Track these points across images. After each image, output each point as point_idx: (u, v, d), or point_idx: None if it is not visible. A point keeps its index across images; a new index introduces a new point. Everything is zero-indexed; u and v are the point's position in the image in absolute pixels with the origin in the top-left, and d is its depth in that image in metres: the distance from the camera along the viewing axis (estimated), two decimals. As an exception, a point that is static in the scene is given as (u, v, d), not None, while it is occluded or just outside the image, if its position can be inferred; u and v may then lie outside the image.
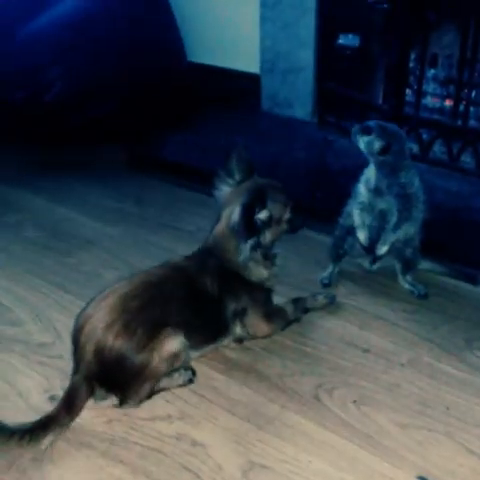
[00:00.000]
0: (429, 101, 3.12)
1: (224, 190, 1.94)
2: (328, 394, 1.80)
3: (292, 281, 2.36)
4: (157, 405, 1.75)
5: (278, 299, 2.23)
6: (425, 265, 2.38)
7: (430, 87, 3.10)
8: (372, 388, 1.83)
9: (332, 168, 3.14)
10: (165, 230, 2.77)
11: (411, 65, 3.09)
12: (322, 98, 3.62)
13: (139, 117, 3.52)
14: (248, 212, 1.81)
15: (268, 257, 1.96)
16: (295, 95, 3.79)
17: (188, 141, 3.54)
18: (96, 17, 3.30)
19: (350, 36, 3.25)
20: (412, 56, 3.07)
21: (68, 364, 1.86)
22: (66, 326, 2.06)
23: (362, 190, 2.25)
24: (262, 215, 1.85)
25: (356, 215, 2.28)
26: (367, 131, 2.14)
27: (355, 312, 2.20)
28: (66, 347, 1.96)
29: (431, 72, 3.09)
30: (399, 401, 1.78)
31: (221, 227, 1.91)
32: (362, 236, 2.27)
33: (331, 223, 2.73)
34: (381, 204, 2.20)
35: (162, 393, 1.79)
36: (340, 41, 3.30)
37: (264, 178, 1.95)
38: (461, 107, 2.96)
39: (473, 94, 2.90)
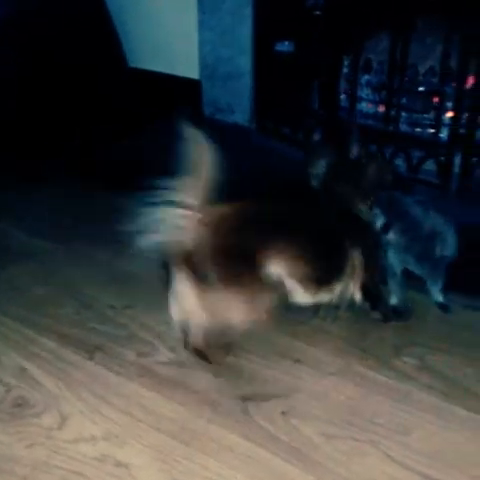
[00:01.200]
0: (364, 106, 3.17)
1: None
2: (256, 407, 1.80)
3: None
4: (82, 426, 1.73)
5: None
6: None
7: (364, 93, 3.15)
8: (301, 399, 1.84)
9: (270, 174, 3.16)
10: (103, 243, 2.71)
11: (345, 71, 3.14)
12: (260, 104, 3.63)
13: (76, 127, 3.47)
14: None
15: None
16: (236, 101, 3.80)
17: (128, 151, 3.51)
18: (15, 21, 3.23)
19: (286, 43, 3.27)
20: (346, 62, 3.11)
21: None
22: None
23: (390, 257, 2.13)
24: None
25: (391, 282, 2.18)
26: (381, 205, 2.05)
27: (287, 321, 2.20)
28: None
29: (365, 78, 3.13)
30: (327, 411, 1.79)
31: None
32: (395, 301, 2.18)
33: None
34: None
35: (89, 413, 1.77)
36: (277, 48, 3.32)
37: None
38: (393, 112, 3.01)
39: (404, 100, 2.95)
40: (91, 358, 1.99)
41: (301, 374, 1.94)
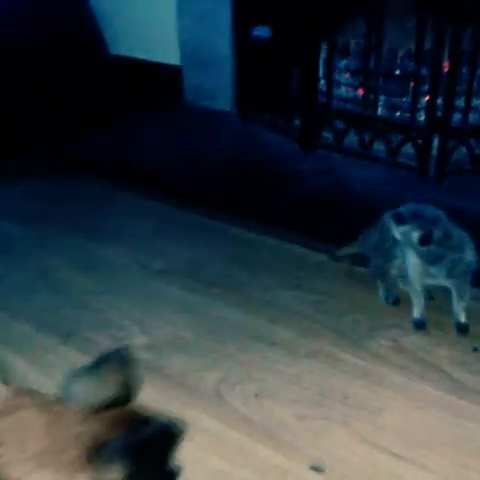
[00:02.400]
0: (343, 91, 3.17)
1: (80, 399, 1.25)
2: (230, 389, 1.81)
3: (205, 277, 2.36)
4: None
5: (189, 296, 2.25)
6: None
7: (343, 77, 3.15)
8: (274, 381, 1.85)
9: (250, 161, 3.16)
10: (80, 229, 2.71)
11: (323, 55, 3.13)
12: (241, 90, 3.62)
13: (56, 114, 3.44)
14: None
15: None
16: (217, 87, 3.79)
17: (109, 139, 3.50)
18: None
19: (264, 28, 3.25)
20: (324, 46, 3.10)
21: None
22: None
23: (412, 273, 2.03)
24: None
25: (412, 295, 2.09)
26: (401, 220, 1.87)
27: (266, 306, 2.21)
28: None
29: (343, 62, 3.13)
30: (299, 393, 1.80)
31: None
32: (418, 314, 2.09)
33: (247, 216, 2.75)
34: (435, 282, 2.04)
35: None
36: (255, 33, 3.30)
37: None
38: (371, 97, 3.01)
39: (381, 84, 2.95)
40: (65, 343, 1.99)
41: (275, 357, 1.94)
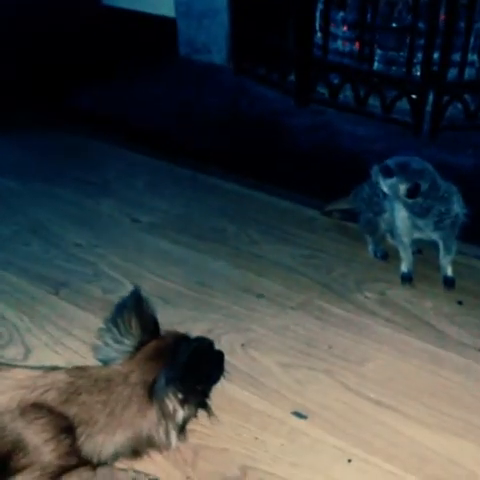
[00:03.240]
0: (339, 44, 3.12)
1: (115, 352, 1.42)
2: (217, 339, 1.82)
3: (195, 231, 2.38)
4: (46, 357, 1.74)
5: (180, 249, 2.26)
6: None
7: (340, 30, 3.09)
8: (261, 332, 1.88)
9: (243, 115, 3.13)
10: (72, 183, 2.72)
11: (320, 8, 3.07)
12: (237, 43, 3.57)
13: (51, 66, 3.40)
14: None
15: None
16: (212, 40, 3.73)
17: (103, 91, 3.46)
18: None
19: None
20: (320, -2, 3.05)
21: None
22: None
23: (400, 226, 2.04)
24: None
25: (400, 249, 2.11)
26: (388, 173, 1.87)
27: (255, 259, 2.23)
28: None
29: (340, 14, 3.07)
30: (285, 343, 1.84)
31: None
32: (405, 268, 2.11)
33: (240, 171, 2.75)
34: (423, 235, 2.05)
35: (53, 345, 1.80)
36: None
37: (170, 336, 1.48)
38: (367, 51, 2.97)
39: (377, 37, 2.91)
40: (56, 293, 2.02)
41: (262, 308, 1.97)
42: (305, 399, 1.65)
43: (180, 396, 1.37)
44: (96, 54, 3.59)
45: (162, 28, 3.77)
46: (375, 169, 1.92)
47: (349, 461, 1.47)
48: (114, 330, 1.41)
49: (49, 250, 2.24)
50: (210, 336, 1.80)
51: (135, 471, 1.43)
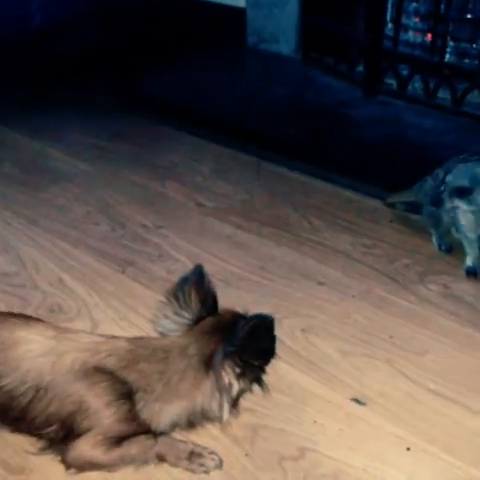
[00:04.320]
0: (410, 36, 3.07)
1: (174, 324, 1.45)
2: (277, 323, 1.81)
3: (258, 217, 2.40)
4: (112, 331, 1.80)
5: (242, 234, 2.29)
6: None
7: (411, 21, 3.05)
8: (321, 318, 1.89)
9: (309, 105, 3.13)
10: (140, 166, 2.79)
11: (392, -1, 3.04)
12: (306, 33, 3.56)
13: (123, 52, 3.51)
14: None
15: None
16: (280, 30, 3.73)
17: (172, 77, 3.53)
18: None
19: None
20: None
21: (29, 293, 1.98)
22: (31, 257, 2.15)
23: (464, 223, 2.04)
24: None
25: (465, 243, 2.09)
26: (466, 193, 1.93)
27: (316, 247, 2.24)
28: (30, 277, 2.06)
29: (413, 5, 3.03)
30: (345, 330, 1.84)
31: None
32: (471, 262, 2.08)
33: (304, 160, 2.75)
34: None
35: (118, 320, 1.86)
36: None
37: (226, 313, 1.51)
38: (439, 42, 2.91)
39: (450, 28, 2.85)
40: (123, 272, 2.09)
41: (323, 295, 1.98)
42: (364, 386, 1.65)
43: (237, 370, 1.39)
44: (167, 42, 3.66)
45: (232, 18, 3.80)
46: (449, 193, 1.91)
47: (408, 449, 1.47)
48: (175, 303, 1.45)
49: (117, 230, 2.32)
50: (271, 319, 1.86)
51: (194, 444, 1.47)
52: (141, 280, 2.06)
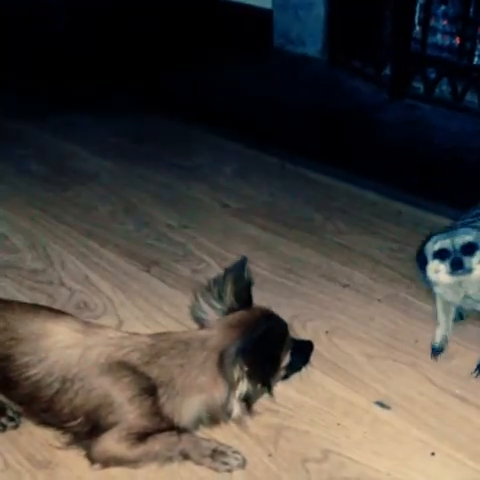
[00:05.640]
0: (438, 38, 3.05)
1: (208, 314, 1.47)
2: (302, 325, 1.86)
3: (283, 218, 2.40)
4: (137, 330, 1.80)
5: (267, 235, 2.29)
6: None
7: (440, 24, 3.02)
8: (346, 321, 1.89)
9: (335, 107, 3.12)
10: (164, 167, 2.81)
11: (421, 1, 3.01)
12: (332, 35, 3.55)
13: (149, 53, 3.53)
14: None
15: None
16: (307, 32, 3.73)
17: (198, 79, 3.54)
18: None
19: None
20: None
21: (56, 290, 2.00)
22: (58, 254, 2.18)
23: None
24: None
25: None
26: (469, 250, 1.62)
27: (341, 249, 2.23)
28: (57, 274, 2.08)
29: (441, 9, 3.00)
30: (370, 333, 1.83)
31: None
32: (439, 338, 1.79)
33: (328, 162, 2.75)
34: None
35: (143, 319, 1.88)
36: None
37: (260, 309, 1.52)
38: (468, 45, 2.89)
39: (479, 31, 2.82)
40: (148, 271, 2.10)
41: (347, 298, 1.98)
42: (389, 390, 1.64)
43: (245, 368, 1.37)
44: (193, 42, 3.68)
45: (258, 19, 3.81)
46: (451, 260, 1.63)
47: (432, 454, 1.46)
48: (211, 293, 1.46)
49: (142, 229, 2.33)
50: (295, 322, 1.86)
51: (218, 442, 1.47)
52: (166, 279, 2.07)
